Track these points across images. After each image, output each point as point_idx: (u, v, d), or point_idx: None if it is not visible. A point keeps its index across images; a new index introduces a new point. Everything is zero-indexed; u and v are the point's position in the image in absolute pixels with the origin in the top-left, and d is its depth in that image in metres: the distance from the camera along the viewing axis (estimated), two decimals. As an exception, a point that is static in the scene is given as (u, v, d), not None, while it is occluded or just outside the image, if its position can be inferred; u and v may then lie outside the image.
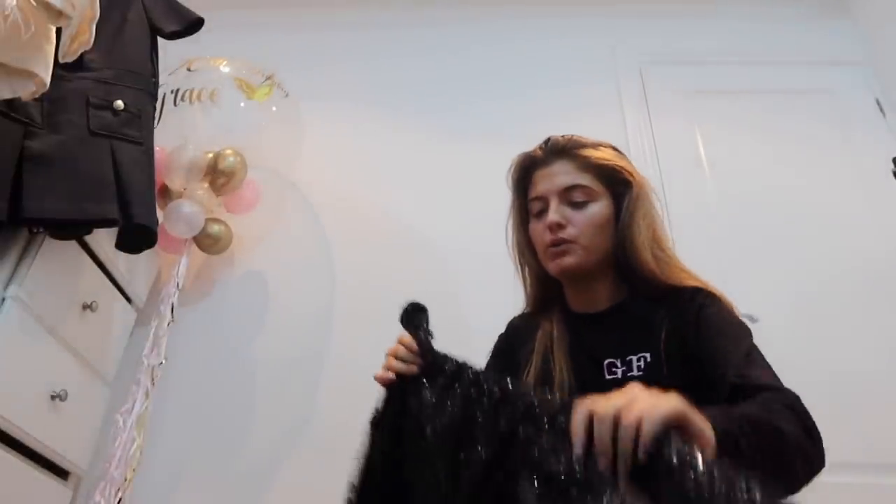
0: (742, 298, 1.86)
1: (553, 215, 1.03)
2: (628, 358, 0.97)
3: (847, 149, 2.21)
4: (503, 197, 2.07)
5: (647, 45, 2.50)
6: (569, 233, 1.02)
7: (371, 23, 2.59)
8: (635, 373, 0.95)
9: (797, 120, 2.27)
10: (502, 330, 1.85)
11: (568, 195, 1.04)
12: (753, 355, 0.91)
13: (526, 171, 1.12)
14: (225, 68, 1.94)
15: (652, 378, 0.88)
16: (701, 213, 2.07)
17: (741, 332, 0.95)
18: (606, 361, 0.98)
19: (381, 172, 2.21)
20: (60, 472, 1.48)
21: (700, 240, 1.93)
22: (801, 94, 2.33)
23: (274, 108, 1.96)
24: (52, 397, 1.38)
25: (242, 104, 1.90)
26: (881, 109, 2.28)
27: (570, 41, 2.52)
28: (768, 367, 0.90)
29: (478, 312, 1.92)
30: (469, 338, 1.85)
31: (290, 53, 2.35)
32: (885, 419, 1.68)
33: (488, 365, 1.17)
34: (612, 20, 2.57)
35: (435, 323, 2.08)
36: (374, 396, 2.00)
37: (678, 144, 2.23)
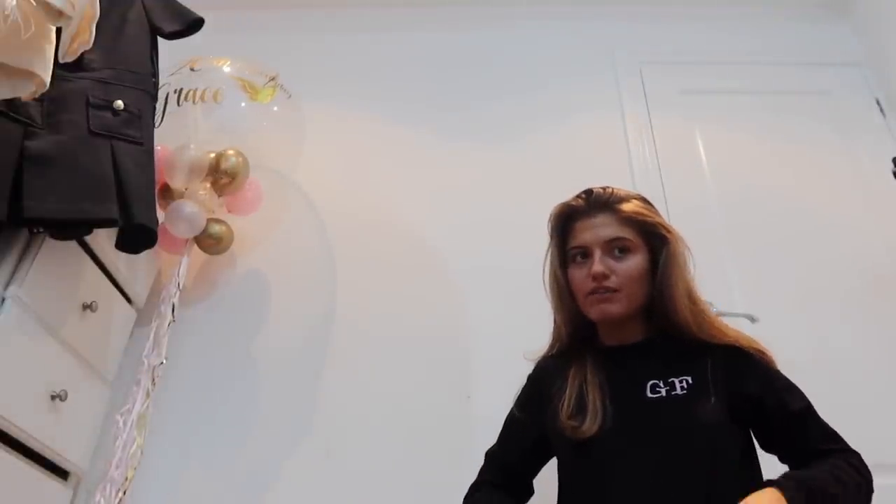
0: (742, 298, 1.88)
1: (598, 266, 1.12)
2: (670, 380, 1.07)
3: (847, 149, 2.20)
4: (504, 197, 2.10)
5: (647, 45, 2.49)
6: (612, 282, 1.12)
7: (374, 24, 2.58)
8: (679, 392, 1.06)
9: (797, 120, 2.27)
10: (501, 328, 1.86)
11: (610, 246, 1.14)
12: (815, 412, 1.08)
13: (567, 220, 1.20)
14: (228, 68, 1.93)
15: (694, 398, 1.05)
16: (701, 213, 2.06)
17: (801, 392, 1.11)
18: (650, 382, 1.08)
19: (384, 173, 2.21)
20: (60, 473, 1.48)
21: (700, 240, 1.92)
22: (801, 95, 2.33)
23: (276, 109, 1.95)
24: (52, 397, 1.37)
25: (245, 105, 1.89)
26: (881, 110, 2.28)
27: (570, 41, 2.52)
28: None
29: (478, 311, 1.92)
30: (471, 335, 1.87)
31: (293, 54, 2.34)
32: (885, 419, 1.67)
33: (519, 406, 1.26)
34: (612, 20, 2.56)
35: (437, 321, 2.10)
36: (375, 397, 2.01)
37: (678, 144, 2.23)
